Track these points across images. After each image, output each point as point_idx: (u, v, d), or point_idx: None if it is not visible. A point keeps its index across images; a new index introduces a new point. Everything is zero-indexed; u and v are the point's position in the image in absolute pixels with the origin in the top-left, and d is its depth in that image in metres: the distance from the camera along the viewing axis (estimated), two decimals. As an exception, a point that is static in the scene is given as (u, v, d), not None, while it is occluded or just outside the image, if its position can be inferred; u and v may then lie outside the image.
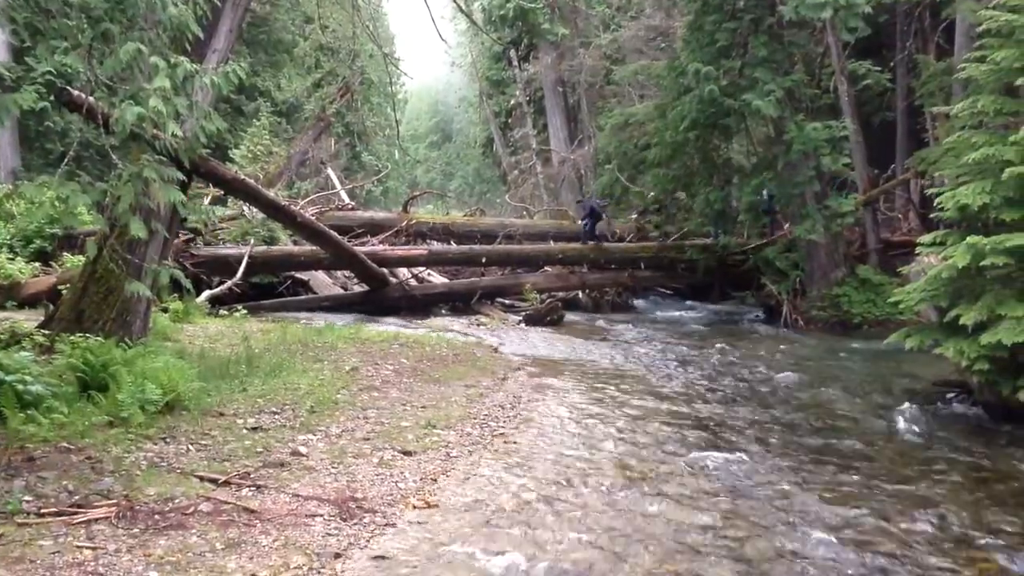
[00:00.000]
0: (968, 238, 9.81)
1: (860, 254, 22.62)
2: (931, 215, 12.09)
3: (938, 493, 7.71)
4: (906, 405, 11.13)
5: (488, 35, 38.66)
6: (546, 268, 25.35)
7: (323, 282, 23.67)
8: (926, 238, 11.23)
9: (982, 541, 6.51)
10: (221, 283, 20.04)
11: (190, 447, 7.69)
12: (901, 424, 10.43)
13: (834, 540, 6.40)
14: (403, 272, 23.53)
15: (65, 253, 17.98)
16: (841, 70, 22.63)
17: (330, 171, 34.68)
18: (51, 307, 12.16)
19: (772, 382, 13.32)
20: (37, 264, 17.89)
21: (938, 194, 10.97)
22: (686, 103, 21.24)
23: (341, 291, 23.52)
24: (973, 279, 10.22)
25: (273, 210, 18.55)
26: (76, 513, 5.88)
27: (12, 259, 17.13)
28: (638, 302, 26.53)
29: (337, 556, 5.66)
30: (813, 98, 22.07)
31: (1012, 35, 10.38)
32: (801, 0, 18.62)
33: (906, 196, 25.60)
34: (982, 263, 9.68)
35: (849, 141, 21.75)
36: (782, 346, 17.31)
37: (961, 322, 9.88)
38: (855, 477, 8.18)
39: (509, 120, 46.09)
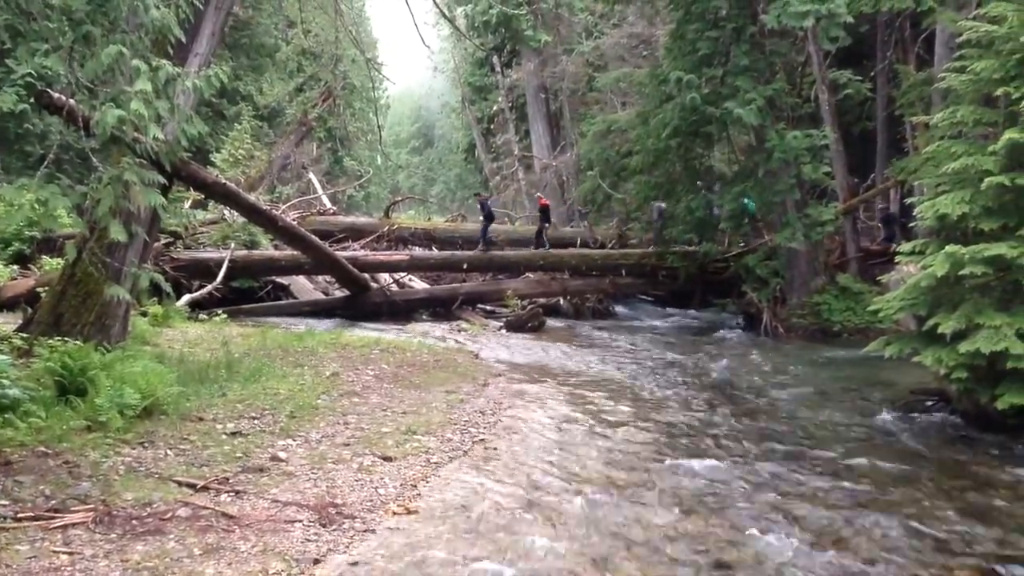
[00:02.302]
0: (947, 247, 9.87)
1: (840, 262, 22.76)
2: (910, 224, 12.16)
3: (916, 501, 7.75)
4: (885, 413, 11.23)
5: (471, 41, 38.69)
6: (528, 274, 25.35)
7: (304, 287, 23.61)
8: (905, 247, 11.29)
9: (959, 549, 6.55)
10: (201, 287, 19.99)
11: (168, 452, 7.65)
12: (880, 432, 10.51)
13: (813, 547, 6.43)
14: (384, 277, 23.52)
15: (44, 256, 17.88)
16: (822, 79, 22.78)
17: (312, 176, 34.65)
18: (29, 310, 12.11)
19: (751, 389, 13.37)
20: (15, 267, 17.80)
21: (918, 203, 11.04)
22: (668, 111, 21.30)
23: (322, 296, 23.49)
24: (952, 288, 10.29)
25: (254, 214, 18.51)
26: (53, 518, 5.84)
27: (-9, 262, 17.03)
28: (619, 309, 26.57)
29: (316, 562, 5.64)
30: (794, 107, 22.21)
31: (991, 46, 10.46)
32: (783, 9, 18.73)
33: (886, 205, 25.75)
34: (961, 272, 9.74)
35: (829, 150, 21.86)
36: (762, 353, 17.37)
37: (940, 331, 9.93)
38: (834, 484, 8.21)
39: (491, 126, 46.12)
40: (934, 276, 9.93)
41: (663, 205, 25.83)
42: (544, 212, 26.88)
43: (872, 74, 26.17)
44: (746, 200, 22.23)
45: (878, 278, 14.13)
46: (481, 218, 26.43)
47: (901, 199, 23.39)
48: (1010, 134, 9.67)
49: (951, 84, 10.94)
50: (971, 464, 9.08)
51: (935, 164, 11.13)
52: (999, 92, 10.20)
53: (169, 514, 6.15)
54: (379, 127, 29.33)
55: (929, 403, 11.51)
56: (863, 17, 22.48)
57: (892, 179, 22.44)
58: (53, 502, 6.13)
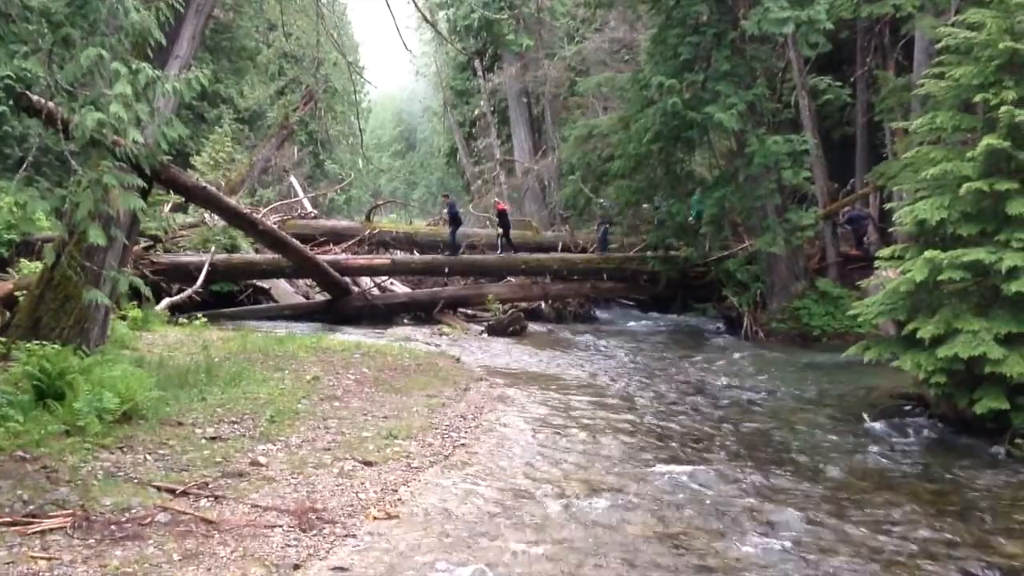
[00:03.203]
0: (926, 252, 9.94)
1: (820, 267, 22.86)
2: (890, 229, 12.22)
3: (895, 505, 7.79)
4: (864, 418, 11.28)
5: (453, 45, 38.67)
6: (509, 278, 25.36)
7: (285, 291, 23.56)
8: (885, 252, 11.36)
9: (939, 552, 6.59)
10: (181, 291, 19.90)
11: (148, 457, 7.61)
12: (859, 436, 10.57)
13: (793, 551, 6.46)
14: (366, 281, 23.47)
15: (22, 259, 17.73)
16: (802, 85, 22.90)
17: (293, 179, 34.52)
18: (7, 314, 12.01)
19: (731, 393, 13.41)
20: (-6, 270, 17.64)
21: (897, 208, 11.11)
22: (649, 115, 21.35)
23: (303, 300, 23.43)
24: (931, 293, 10.36)
25: (235, 218, 18.45)
26: (31, 523, 5.80)
27: (-32, 265, 16.89)
28: (600, 313, 26.59)
29: (296, 567, 5.62)
30: (774, 112, 22.34)
31: (970, 52, 10.54)
32: (763, 15, 18.83)
33: (849, 208, 25.87)
34: (939, 277, 9.82)
35: (810, 155, 21.96)
36: (742, 358, 17.41)
37: (918, 335, 10.00)
38: (813, 489, 8.26)
39: (473, 130, 46.09)
40: (913, 281, 10.00)
41: (607, 225, 26.90)
42: (502, 217, 26.89)
43: (852, 80, 26.32)
44: (695, 204, 22.95)
45: (858, 283, 14.21)
46: (448, 221, 26.71)
47: (880, 204, 23.53)
48: (988, 140, 9.76)
49: (930, 90, 11.03)
50: (949, 468, 9.13)
51: (914, 169, 11.21)
52: (977, 98, 10.28)
53: (148, 519, 6.12)
54: (361, 131, 29.31)
55: (908, 407, 11.57)
56: (843, 23, 22.64)
57: (871, 184, 22.56)
58: (31, 507, 6.08)
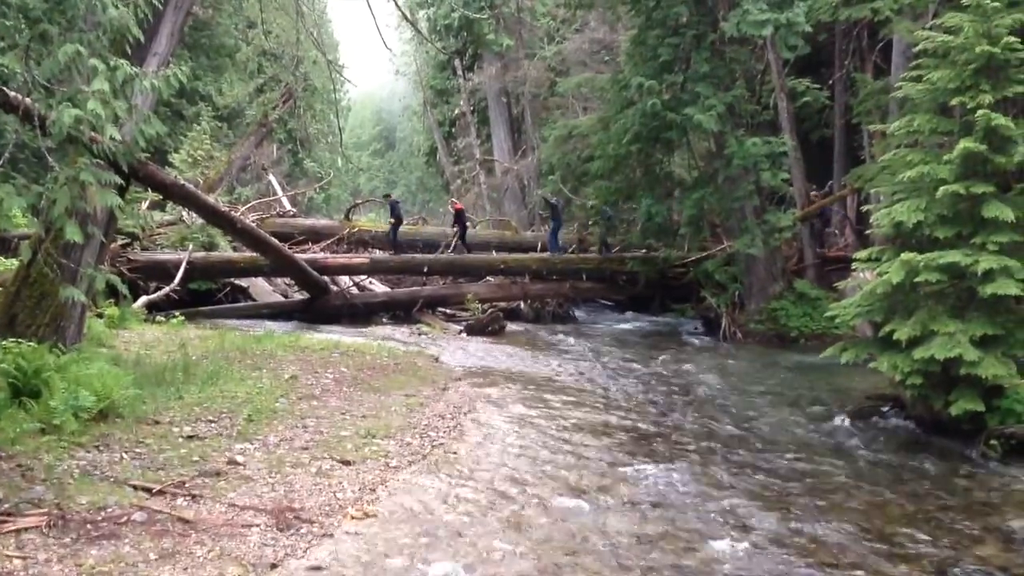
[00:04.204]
0: (903, 254, 10.00)
1: (797, 269, 22.99)
2: (867, 231, 12.28)
3: (870, 506, 7.86)
4: (840, 419, 11.35)
5: (433, 44, 38.64)
6: (488, 278, 25.35)
7: (263, 289, 23.47)
8: (862, 254, 11.42)
9: (912, 553, 6.64)
10: (158, 289, 19.81)
11: (124, 455, 7.57)
12: (835, 437, 10.64)
13: (767, 551, 6.49)
14: (344, 280, 23.42)
15: (-2, 256, 17.61)
16: (781, 87, 23.00)
17: (272, 177, 34.40)
18: (-18, 311, 11.89)
19: (709, 394, 13.47)
20: (-31, 267, 17.48)
21: (874, 210, 11.17)
22: (629, 116, 21.39)
23: (281, 298, 23.34)
24: (907, 295, 10.42)
25: (213, 216, 18.37)
26: (6, 522, 5.76)
27: (-58, 262, 16.71)
28: (579, 313, 26.61)
29: (273, 567, 5.61)
30: (753, 114, 22.44)
31: (947, 56, 10.61)
32: (743, 17, 18.92)
33: (843, 212, 26.03)
34: (916, 279, 9.88)
35: (788, 157, 22.04)
36: (720, 359, 17.50)
37: (895, 337, 10.06)
38: (789, 489, 8.31)
39: (453, 129, 46.08)
40: (890, 283, 10.06)
41: (559, 221, 27.16)
42: (458, 216, 26.91)
43: (830, 82, 26.42)
44: (607, 210, 24.47)
45: (835, 284, 14.28)
46: (390, 220, 26.69)
47: (857, 206, 23.68)
48: (965, 143, 9.82)
49: (907, 93, 11.09)
50: (925, 469, 9.21)
51: (891, 172, 11.27)
52: (954, 101, 10.35)
53: (124, 518, 6.09)
54: (340, 129, 29.27)
55: (884, 409, 11.64)
56: (821, 26, 22.71)
57: (849, 186, 22.69)
58: (6, 506, 6.04)
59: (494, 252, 26.79)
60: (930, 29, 11.31)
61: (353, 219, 29.77)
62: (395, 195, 28.57)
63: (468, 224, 28.15)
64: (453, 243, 26.69)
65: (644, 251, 25.48)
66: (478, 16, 36.61)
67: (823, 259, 23.35)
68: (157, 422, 8.77)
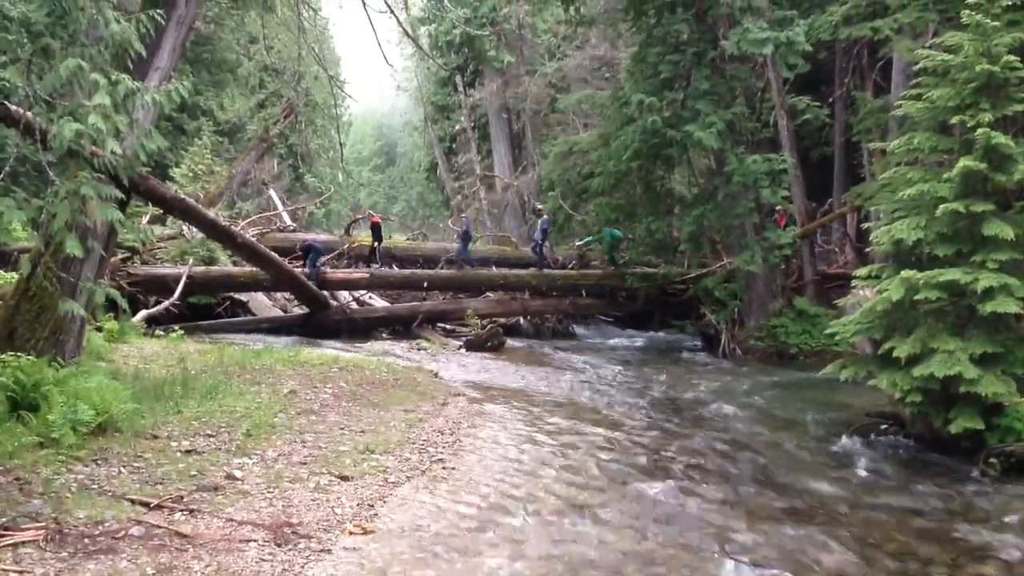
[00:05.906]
0: (902, 272, 10.00)
1: (797, 286, 23.00)
2: (867, 249, 12.27)
3: (870, 523, 7.83)
4: (839, 436, 11.31)
5: (434, 60, 38.73)
6: (488, 294, 25.36)
7: (263, 304, 23.47)
8: (861, 271, 11.42)
9: (913, 571, 6.62)
10: (158, 303, 19.82)
11: (122, 469, 7.55)
12: (834, 455, 10.61)
13: (768, 569, 6.47)
14: (344, 295, 23.42)
15: (-2, 269, 17.61)
16: (781, 105, 23.07)
17: (272, 192, 34.47)
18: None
19: (709, 411, 13.44)
20: (-32, 281, 17.47)
21: (874, 228, 11.18)
22: (629, 133, 21.40)
23: (281, 313, 23.36)
24: (907, 312, 10.42)
25: (213, 230, 18.39)
26: (3, 535, 5.75)
27: (-58, 275, 16.70)
28: (579, 329, 26.61)
29: (271, 582, 5.59)
30: (753, 131, 22.47)
31: (947, 75, 10.63)
32: (743, 36, 18.98)
33: (842, 230, 26.04)
34: (916, 297, 9.88)
35: (788, 174, 22.05)
36: (720, 375, 17.48)
37: (895, 354, 10.05)
38: (789, 507, 8.28)
39: (453, 145, 46.17)
40: (889, 300, 10.05)
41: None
42: (375, 229, 26.95)
43: (830, 100, 26.53)
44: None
45: (834, 302, 14.27)
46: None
47: (857, 224, 23.70)
48: (965, 162, 9.83)
49: (907, 111, 11.10)
50: (924, 487, 9.17)
51: (891, 190, 11.28)
52: (954, 120, 10.38)
53: (122, 533, 6.07)
54: (341, 144, 29.43)
55: (883, 426, 11.61)
56: (822, 44, 22.78)
57: (849, 204, 22.71)
58: (3, 519, 6.02)
59: (494, 268, 26.76)
60: (930, 48, 11.34)
61: (353, 234, 29.79)
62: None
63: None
64: (376, 255, 26.76)
65: (644, 267, 25.48)
66: (479, 32, 36.76)
67: (823, 276, 23.34)
68: (155, 436, 8.75)
